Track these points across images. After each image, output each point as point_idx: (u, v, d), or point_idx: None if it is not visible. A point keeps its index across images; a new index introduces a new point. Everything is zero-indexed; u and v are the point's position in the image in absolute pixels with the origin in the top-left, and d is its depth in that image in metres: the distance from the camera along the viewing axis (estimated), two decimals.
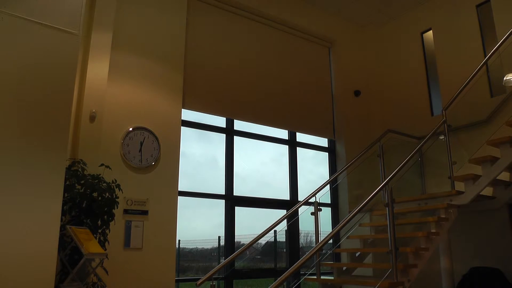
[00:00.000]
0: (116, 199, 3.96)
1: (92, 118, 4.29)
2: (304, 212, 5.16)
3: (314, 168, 6.58)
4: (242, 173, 5.69)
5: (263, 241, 5.33)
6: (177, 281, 4.79)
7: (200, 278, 4.16)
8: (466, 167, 4.69)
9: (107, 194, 3.89)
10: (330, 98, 6.74)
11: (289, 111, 6.16)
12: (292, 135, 6.28)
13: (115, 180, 4.06)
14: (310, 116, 6.39)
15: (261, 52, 6.09)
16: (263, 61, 6.07)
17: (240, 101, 5.70)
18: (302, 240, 6.03)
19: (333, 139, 6.58)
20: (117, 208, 3.97)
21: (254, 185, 5.84)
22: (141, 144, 4.68)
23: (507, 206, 5.06)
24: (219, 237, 5.53)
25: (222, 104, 5.53)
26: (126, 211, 4.43)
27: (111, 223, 3.97)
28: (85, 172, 3.93)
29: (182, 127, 5.08)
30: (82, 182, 3.80)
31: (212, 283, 4.16)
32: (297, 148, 6.27)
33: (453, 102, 4.79)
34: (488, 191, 4.80)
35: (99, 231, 3.87)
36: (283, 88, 6.18)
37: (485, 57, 5.06)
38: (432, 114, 6.27)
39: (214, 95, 5.48)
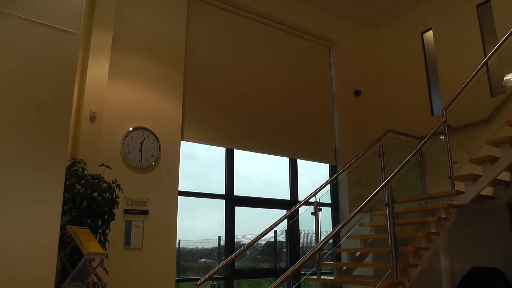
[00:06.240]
0: (116, 199, 3.96)
1: (92, 118, 4.29)
2: (304, 212, 5.16)
3: (319, 168, 6.57)
4: (243, 173, 5.70)
5: (263, 241, 5.33)
6: (177, 281, 4.79)
7: (200, 278, 4.16)
8: (466, 167, 4.69)
9: (107, 194, 3.89)
10: (331, 100, 6.72)
11: (290, 130, 6.07)
12: None
13: (115, 180, 4.06)
14: (311, 139, 6.28)
15: (261, 52, 6.08)
16: (263, 62, 6.06)
17: (240, 121, 5.61)
18: (302, 240, 6.03)
19: (334, 164, 6.48)
20: (117, 208, 3.97)
21: (255, 185, 5.85)
22: (141, 144, 4.68)
23: (507, 206, 5.06)
24: (219, 237, 5.54)
25: (221, 130, 5.44)
26: (126, 211, 4.43)
27: (112, 223, 3.97)
28: (85, 172, 3.94)
29: None
30: (82, 182, 3.79)
31: (213, 283, 4.16)
32: None
33: (453, 102, 4.79)
34: (488, 191, 4.80)
35: (100, 231, 3.87)
36: (283, 94, 6.17)
37: (485, 57, 5.06)
38: (432, 114, 6.27)
39: (214, 112, 5.43)
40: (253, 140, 5.70)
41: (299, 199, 5.90)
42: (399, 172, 4.20)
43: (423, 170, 5.91)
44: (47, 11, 3.23)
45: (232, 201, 5.42)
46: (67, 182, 3.63)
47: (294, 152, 6.11)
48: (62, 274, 3.58)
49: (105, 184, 3.94)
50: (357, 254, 5.06)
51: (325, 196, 5.36)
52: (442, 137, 4.77)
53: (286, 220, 5.04)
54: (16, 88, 3.01)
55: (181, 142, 5.01)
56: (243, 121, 5.66)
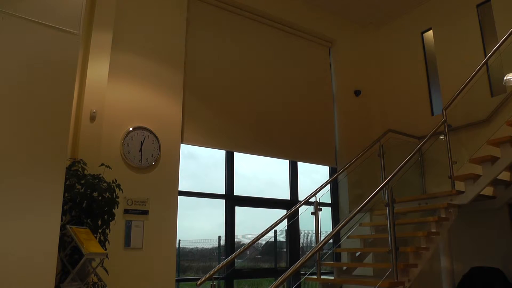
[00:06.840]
0: (117, 199, 3.96)
1: (92, 118, 4.29)
2: (305, 212, 5.17)
3: (319, 168, 6.56)
4: (243, 173, 5.70)
5: (263, 240, 5.33)
6: (177, 280, 4.79)
7: (200, 278, 4.16)
8: (466, 166, 4.69)
9: (107, 194, 3.89)
10: (331, 100, 6.71)
11: (290, 131, 6.05)
12: None
13: (115, 180, 4.06)
14: (311, 141, 6.26)
15: (261, 52, 6.08)
16: (263, 62, 6.06)
17: (240, 121, 5.59)
18: (302, 240, 6.03)
19: (334, 166, 6.45)
20: (117, 208, 3.97)
21: (255, 185, 5.85)
22: (141, 144, 4.68)
23: (507, 205, 5.06)
24: (219, 237, 5.53)
25: (221, 132, 5.42)
26: (126, 211, 4.43)
27: (112, 223, 3.97)
28: (85, 172, 3.93)
29: None
30: (82, 182, 3.79)
31: (213, 283, 4.16)
32: None
33: (453, 101, 4.79)
34: (488, 191, 4.80)
35: (100, 231, 3.87)
36: (283, 94, 6.16)
37: (485, 57, 5.06)
38: (432, 114, 6.27)
39: (213, 113, 5.42)
40: (253, 142, 5.68)
41: (299, 199, 5.90)
42: (399, 172, 4.20)
43: (423, 170, 5.91)
44: (47, 11, 3.23)
45: (232, 201, 5.42)
46: (67, 182, 3.63)
47: (294, 155, 6.10)
48: (62, 274, 3.58)
49: (105, 184, 3.94)
50: (357, 254, 5.06)
51: (325, 196, 5.37)
52: (442, 137, 4.77)
53: (286, 220, 5.04)
54: (16, 88, 3.01)
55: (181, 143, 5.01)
56: (243, 121, 5.66)
